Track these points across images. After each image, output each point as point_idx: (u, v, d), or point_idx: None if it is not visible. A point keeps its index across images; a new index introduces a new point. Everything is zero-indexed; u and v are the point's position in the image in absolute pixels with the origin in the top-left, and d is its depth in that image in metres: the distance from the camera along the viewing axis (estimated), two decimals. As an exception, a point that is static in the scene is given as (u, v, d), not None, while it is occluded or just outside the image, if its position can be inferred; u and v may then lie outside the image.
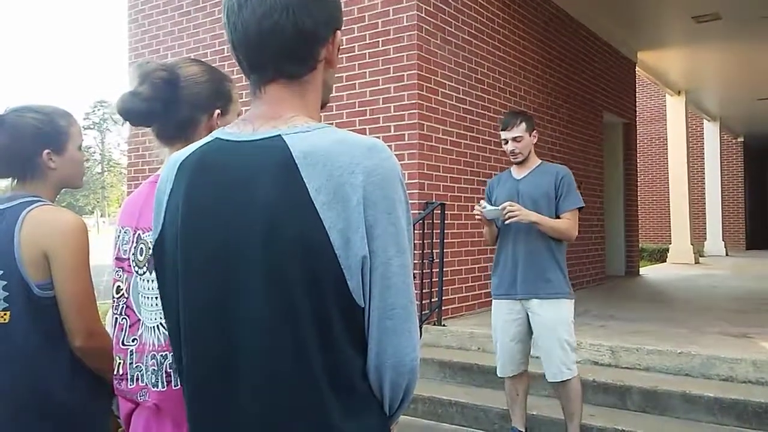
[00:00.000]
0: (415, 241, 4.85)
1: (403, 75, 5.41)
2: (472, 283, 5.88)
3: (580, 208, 3.37)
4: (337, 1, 1.08)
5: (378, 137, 1.00)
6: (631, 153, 10.09)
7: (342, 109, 5.69)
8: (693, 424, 3.71)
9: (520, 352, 3.41)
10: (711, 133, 15.74)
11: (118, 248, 1.39)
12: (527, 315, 3.34)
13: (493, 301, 3.48)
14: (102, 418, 1.65)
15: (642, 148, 15.05)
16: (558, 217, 3.32)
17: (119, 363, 1.36)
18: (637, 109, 10.48)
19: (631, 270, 9.95)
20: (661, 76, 11.39)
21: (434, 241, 5.22)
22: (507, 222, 3.26)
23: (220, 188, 0.99)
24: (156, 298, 1.24)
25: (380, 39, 5.56)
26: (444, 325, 5.21)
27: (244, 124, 1.04)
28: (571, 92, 7.80)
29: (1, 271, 1.56)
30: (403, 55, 5.42)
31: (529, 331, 3.38)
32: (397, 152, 5.19)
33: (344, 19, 1.14)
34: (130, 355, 1.33)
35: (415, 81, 5.35)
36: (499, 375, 3.50)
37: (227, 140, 1.03)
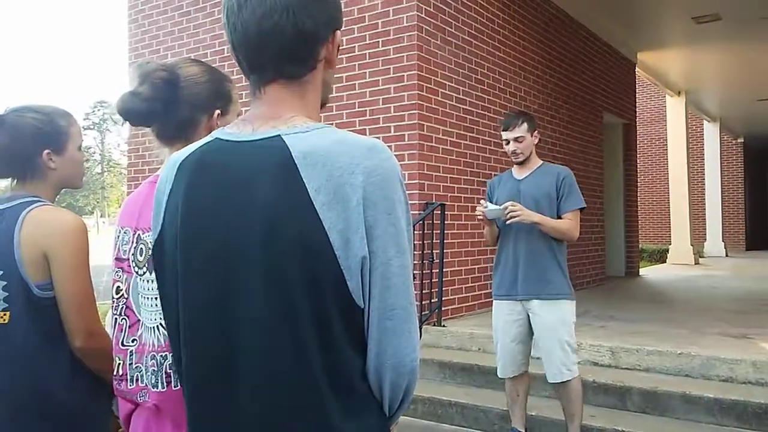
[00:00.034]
0: (415, 242, 4.84)
1: (403, 75, 5.42)
2: (472, 284, 5.87)
3: (581, 209, 3.38)
4: (337, 2, 1.08)
5: (378, 138, 0.99)
6: (631, 153, 10.09)
7: (342, 110, 5.69)
8: (693, 424, 3.71)
9: (521, 353, 3.41)
10: (711, 133, 15.75)
11: (118, 248, 1.39)
12: (528, 316, 3.34)
13: (494, 301, 3.48)
14: (102, 419, 1.65)
15: (642, 149, 15.06)
16: (559, 218, 3.32)
17: (119, 363, 1.36)
18: (637, 110, 10.48)
19: (631, 271, 9.96)
20: (661, 76, 11.39)
21: (434, 241, 5.22)
22: (509, 222, 3.26)
23: (220, 188, 0.99)
24: (156, 298, 1.24)
25: (380, 39, 5.56)
26: (444, 326, 5.21)
27: (243, 125, 1.04)
28: (571, 93, 7.81)
29: (1, 272, 1.56)
30: (403, 56, 5.42)
31: (530, 332, 3.38)
32: (397, 153, 5.19)
33: (344, 19, 1.14)
34: (130, 355, 1.33)
35: (415, 81, 5.35)
36: (499, 376, 3.50)
37: (227, 140, 1.03)
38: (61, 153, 1.69)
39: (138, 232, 1.35)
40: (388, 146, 1.02)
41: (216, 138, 1.05)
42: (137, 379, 1.32)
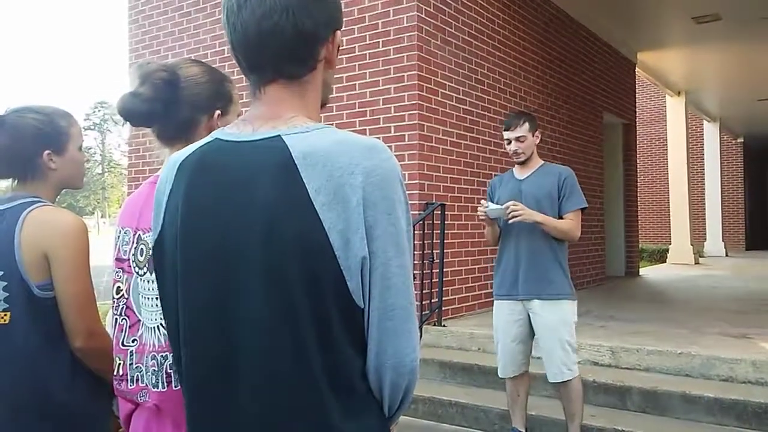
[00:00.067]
0: (415, 242, 4.85)
1: (404, 76, 5.42)
2: (472, 284, 5.88)
3: (583, 209, 3.38)
4: (337, 2, 1.08)
5: (378, 138, 0.99)
6: (631, 154, 10.09)
7: (342, 110, 5.69)
8: (693, 424, 3.71)
9: (522, 353, 3.41)
10: (711, 133, 15.74)
11: (119, 249, 1.39)
12: (528, 316, 3.34)
13: (495, 301, 3.48)
14: (102, 419, 1.65)
15: (642, 149, 15.06)
16: (561, 218, 3.32)
17: (119, 364, 1.36)
18: (637, 110, 10.48)
19: (631, 270, 9.96)
20: (661, 76, 11.39)
21: (434, 241, 5.22)
22: (510, 221, 3.26)
23: (220, 188, 0.99)
24: (156, 298, 1.24)
25: (380, 40, 5.56)
26: (444, 326, 5.21)
27: (243, 125, 1.04)
28: (571, 93, 7.81)
29: (2, 272, 1.56)
30: (404, 56, 5.42)
31: (531, 332, 3.38)
32: (398, 153, 5.19)
33: (344, 19, 1.14)
34: (130, 355, 1.33)
35: (416, 82, 5.35)
36: (500, 376, 3.50)
37: (227, 141, 1.03)
38: (62, 153, 1.70)
39: (138, 233, 1.35)
40: (389, 146, 1.02)
41: (216, 138, 1.05)
42: (137, 379, 1.32)
